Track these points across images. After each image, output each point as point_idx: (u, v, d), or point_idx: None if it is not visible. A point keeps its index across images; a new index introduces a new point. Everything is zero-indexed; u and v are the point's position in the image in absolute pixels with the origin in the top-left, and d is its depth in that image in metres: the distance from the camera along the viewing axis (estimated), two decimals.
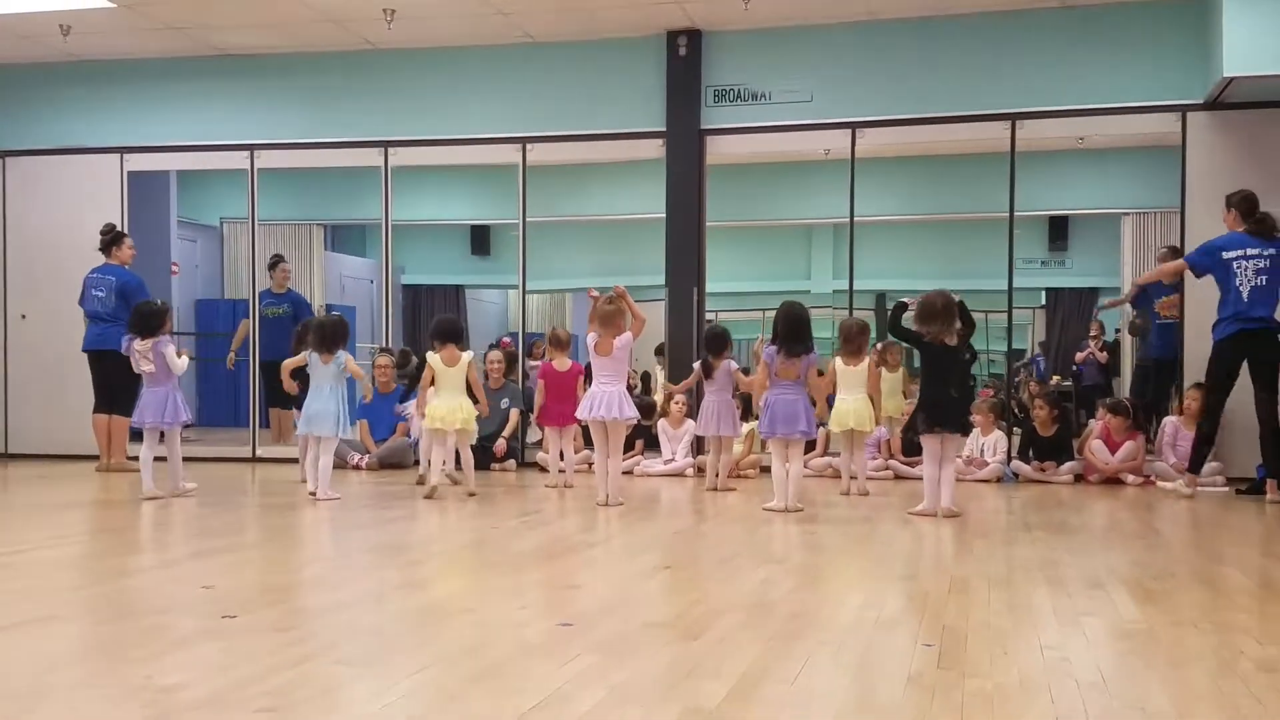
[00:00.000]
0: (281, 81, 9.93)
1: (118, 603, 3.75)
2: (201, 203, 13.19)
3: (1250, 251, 6.91)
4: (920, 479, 6.38)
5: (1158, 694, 2.62)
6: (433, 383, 7.05)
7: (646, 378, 11.58)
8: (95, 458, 8.81)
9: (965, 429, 6.32)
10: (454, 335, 7.10)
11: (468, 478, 7.05)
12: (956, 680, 2.71)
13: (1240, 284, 6.88)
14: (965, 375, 6.54)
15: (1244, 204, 7.09)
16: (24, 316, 10.31)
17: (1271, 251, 6.90)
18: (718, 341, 7.49)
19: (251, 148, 9.96)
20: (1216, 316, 7.09)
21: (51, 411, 10.09)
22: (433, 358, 7.06)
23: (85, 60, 10.08)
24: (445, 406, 6.96)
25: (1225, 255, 6.95)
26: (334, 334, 6.92)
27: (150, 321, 6.91)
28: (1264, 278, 6.87)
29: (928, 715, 2.43)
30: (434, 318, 7.70)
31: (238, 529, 5.78)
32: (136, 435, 8.93)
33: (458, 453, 7.21)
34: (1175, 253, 8.09)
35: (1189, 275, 7.55)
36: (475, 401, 7.09)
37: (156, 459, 6.78)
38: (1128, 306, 8.92)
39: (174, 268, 12.14)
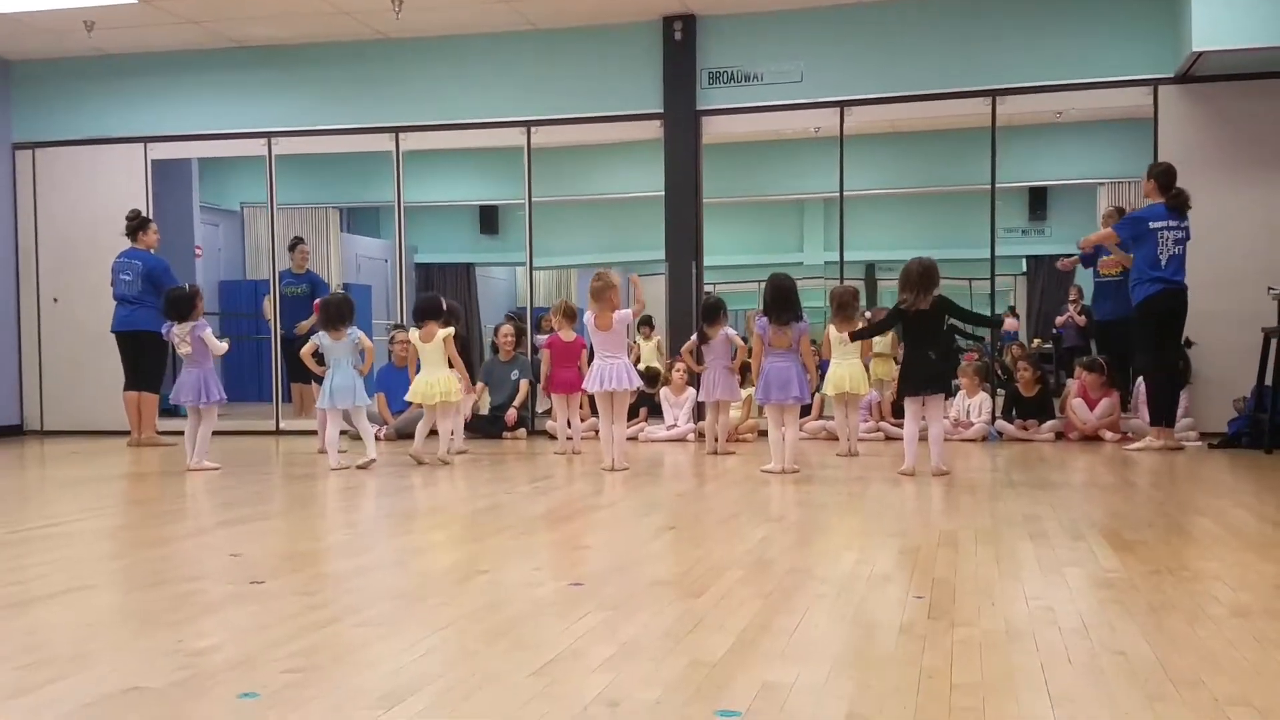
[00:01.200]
0: (296, 71, 9.87)
1: (151, 571, 3.75)
2: (222, 188, 13.16)
3: (1171, 223, 7.18)
4: None
5: (1136, 639, 2.62)
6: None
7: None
8: (126, 433, 8.83)
9: (945, 389, 6.27)
10: (431, 313, 7.03)
11: (442, 446, 6.99)
12: (946, 629, 2.71)
13: (1161, 252, 7.14)
14: (948, 340, 6.52)
15: (1163, 177, 7.34)
16: (56, 300, 10.30)
17: (1186, 224, 7.20)
18: (711, 312, 7.51)
19: (269, 135, 9.92)
20: (1134, 280, 7.28)
21: (83, 390, 10.11)
22: (412, 334, 7.07)
23: (109, 54, 10.02)
24: (424, 381, 6.96)
25: (1152, 225, 7.20)
26: (339, 312, 6.89)
27: (181, 306, 6.91)
28: (1180, 247, 7.18)
29: (919, 663, 2.43)
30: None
31: (263, 499, 5.78)
32: (166, 411, 8.97)
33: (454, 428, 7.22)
34: (1121, 213, 8.16)
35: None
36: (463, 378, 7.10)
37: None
38: (1079, 266, 9.11)
39: (197, 251, 12.12)
